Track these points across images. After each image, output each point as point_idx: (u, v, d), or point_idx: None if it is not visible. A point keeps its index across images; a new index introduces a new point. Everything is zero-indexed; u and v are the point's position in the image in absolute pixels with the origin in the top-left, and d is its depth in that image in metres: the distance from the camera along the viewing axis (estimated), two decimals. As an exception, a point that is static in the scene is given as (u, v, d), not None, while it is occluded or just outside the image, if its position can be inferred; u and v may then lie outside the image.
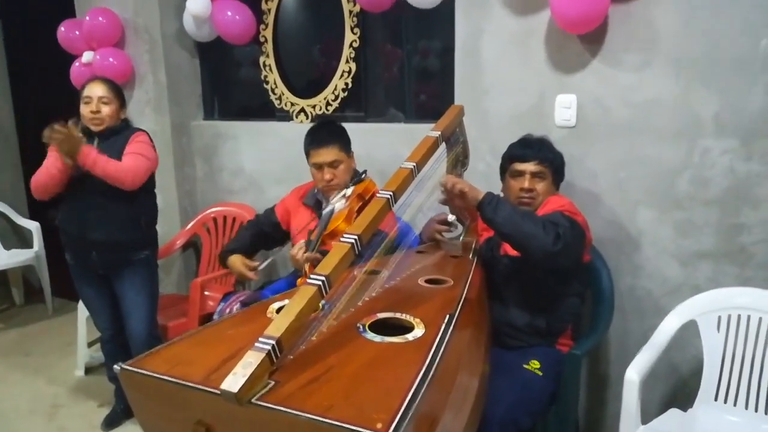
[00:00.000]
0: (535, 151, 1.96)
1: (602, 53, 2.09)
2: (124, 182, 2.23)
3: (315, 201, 2.23)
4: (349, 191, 1.87)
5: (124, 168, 2.22)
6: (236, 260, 2.18)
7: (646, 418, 1.76)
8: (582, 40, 2.10)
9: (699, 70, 1.94)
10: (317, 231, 1.81)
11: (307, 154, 2.18)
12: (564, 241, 1.65)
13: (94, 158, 2.15)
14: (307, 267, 1.75)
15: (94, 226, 2.30)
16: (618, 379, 2.17)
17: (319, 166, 2.14)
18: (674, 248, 2.07)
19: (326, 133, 2.16)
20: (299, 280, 1.78)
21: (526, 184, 1.94)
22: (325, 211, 1.83)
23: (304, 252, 1.86)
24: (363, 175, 2.01)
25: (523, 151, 1.98)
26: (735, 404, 1.82)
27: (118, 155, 2.26)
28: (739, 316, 1.84)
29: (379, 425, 0.95)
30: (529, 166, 1.94)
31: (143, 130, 2.43)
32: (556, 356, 1.87)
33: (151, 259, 2.50)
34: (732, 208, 1.95)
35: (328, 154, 2.12)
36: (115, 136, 2.33)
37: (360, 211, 1.53)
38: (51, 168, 2.23)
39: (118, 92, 2.37)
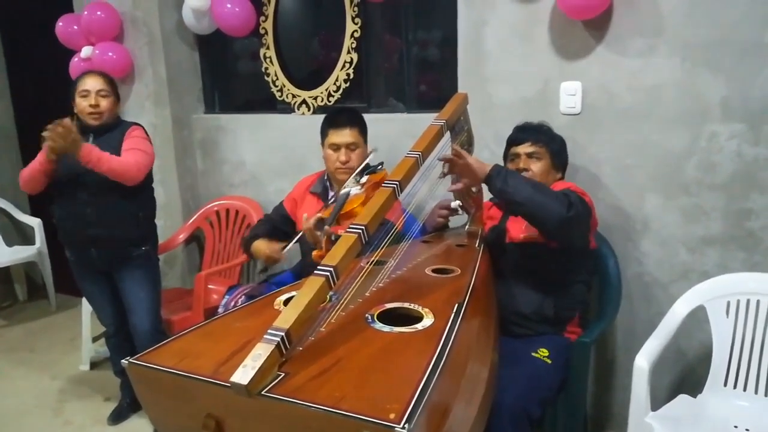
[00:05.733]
0: (528, 134, 1.99)
1: (607, 39, 2.07)
2: (128, 178, 2.21)
3: (323, 188, 2.23)
4: (364, 179, 1.86)
5: (129, 163, 2.21)
6: (261, 244, 2.16)
7: (655, 404, 1.75)
8: (587, 27, 2.08)
9: (705, 55, 1.92)
10: (333, 210, 1.80)
11: (325, 135, 2.20)
12: (576, 209, 1.64)
13: (98, 155, 2.13)
14: (323, 242, 1.75)
15: (92, 222, 2.28)
16: (626, 366, 2.16)
17: (336, 147, 2.15)
18: (682, 234, 2.05)
19: (348, 115, 2.19)
20: (314, 253, 1.77)
21: (521, 165, 1.95)
22: (342, 192, 1.83)
23: (316, 226, 1.85)
24: (379, 167, 2.01)
25: (517, 135, 2.01)
26: (744, 389, 1.81)
27: (114, 151, 2.24)
28: (748, 301, 1.83)
29: (392, 415, 0.94)
30: (524, 148, 1.97)
31: (138, 124, 2.41)
32: (565, 344, 1.86)
33: (152, 253, 2.49)
34: (740, 193, 1.94)
35: (348, 135, 2.14)
36: (109, 132, 2.31)
37: None
38: (34, 163, 2.22)
39: (114, 86, 2.36)
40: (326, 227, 1.78)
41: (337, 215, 1.78)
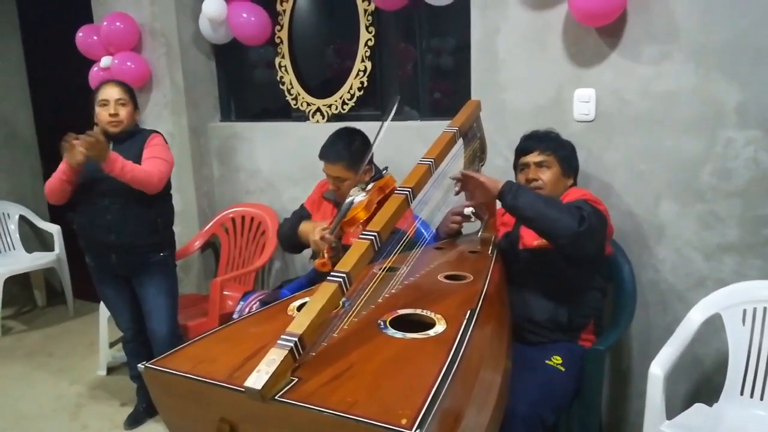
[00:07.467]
0: (536, 142, 1.97)
1: (621, 46, 2.06)
2: (150, 187, 2.26)
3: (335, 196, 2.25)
4: (369, 186, 1.87)
5: (151, 173, 2.26)
6: (308, 224, 2.16)
7: (670, 413, 1.74)
8: (600, 33, 2.08)
9: (720, 61, 1.91)
10: (336, 218, 1.82)
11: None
12: (589, 223, 1.64)
13: (122, 164, 2.18)
14: (325, 250, 1.77)
15: (111, 229, 2.32)
16: (641, 374, 2.14)
17: (327, 176, 2.19)
18: (697, 241, 2.04)
19: (336, 148, 2.14)
20: (316, 261, 1.79)
21: (530, 174, 1.95)
22: (346, 201, 1.85)
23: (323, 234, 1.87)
24: (384, 172, 2.02)
25: (526, 143, 2.00)
26: (762, 398, 1.79)
27: (135, 159, 2.28)
28: (765, 309, 1.81)
29: (403, 421, 0.94)
30: (532, 157, 1.96)
31: (158, 132, 2.45)
32: (579, 351, 1.85)
33: (169, 260, 2.52)
34: (756, 200, 1.92)
35: (332, 170, 2.15)
36: (130, 140, 2.36)
37: (380, 204, 1.53)
38: (57, 173, 2.27)
39: (133, 94, 2.41)
40: (327, 235, 1.80)
41: (339, 223, 1.80)
